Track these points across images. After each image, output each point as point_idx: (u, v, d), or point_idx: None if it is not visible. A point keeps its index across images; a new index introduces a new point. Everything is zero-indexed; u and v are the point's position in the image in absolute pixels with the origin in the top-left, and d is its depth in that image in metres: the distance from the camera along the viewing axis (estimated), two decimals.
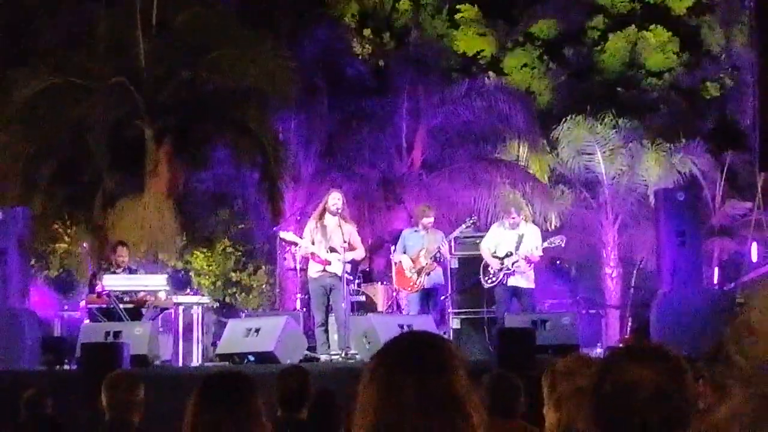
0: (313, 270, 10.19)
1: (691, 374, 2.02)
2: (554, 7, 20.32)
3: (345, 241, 10.03)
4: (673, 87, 19.72)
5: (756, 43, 11.62)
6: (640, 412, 1.94)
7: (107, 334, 9.57)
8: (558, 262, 16.55)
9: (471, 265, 11.54)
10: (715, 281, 15.96)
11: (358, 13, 19.56)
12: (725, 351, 1.41)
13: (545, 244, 10.80)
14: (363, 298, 11.63)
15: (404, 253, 11.08)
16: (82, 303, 11.56)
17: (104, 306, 10.74)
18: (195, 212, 16.23)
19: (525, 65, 20.21)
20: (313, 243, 10.17)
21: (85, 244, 13.62)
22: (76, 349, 9.35)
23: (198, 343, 11.08)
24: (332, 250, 10.05)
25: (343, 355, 9.76)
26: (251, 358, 9.48)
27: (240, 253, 16.37)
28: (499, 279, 10.73)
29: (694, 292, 9.92)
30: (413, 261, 10.97)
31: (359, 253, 10.42)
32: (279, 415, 5.01)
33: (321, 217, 10.27)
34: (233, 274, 16.19)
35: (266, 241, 15.63)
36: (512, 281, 10.71)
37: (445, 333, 10.93)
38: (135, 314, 10.69)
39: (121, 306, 10.61)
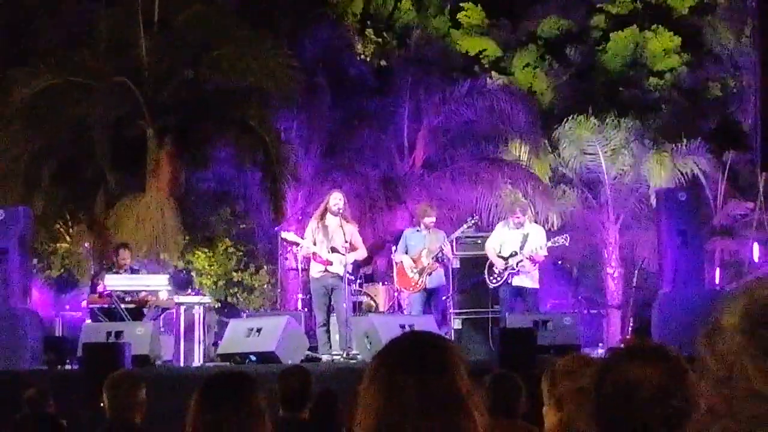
0: (315, 270, 10.20)
1: (692, 374, 2.02)
2: (556, 6, 20.33)
3: (346, 242, 10.04)
4: (675, 87, 19.70)
5: (758, 44, 11.61)
6: (641, 412, 1.94)
7: (109, 334, 9.59)
8: (560, 262, 16.55)
9: (472, 265, 11.54)
10: (717, 281, 15.95)
11: (360, 12, 19.56)
12: (697, 352, 1.41)
13: (549, 243, 10.81)
14: (364, 299, 11.65)
15: (406, 253, 11.07)
16: (84, 303, 11.57)
17: (106, 306, 10.75)
18: (196, 212, 16.22)
19: (527, 65, 20.20)
20: (314, 243, 10.18)
21: (86, 244, 13.61)
22: (77, 349, 9.37)
23: (199, 343, 11.07)
24: (334, 250, 10.07)
25: (344, 355, 9.76)
26: (253, 358, 9.49)
27: (241, 253, 16.38)
28: (503, 279, 10.73)
29: (695, 293, 9.90)
30: (415, 261, 10.96)
31: (361, 254, 10.42)
32: (281, 415, 5.01)
33: (322, 217, 10.28)
34: (235, 274, 16.20)
35: (268, 241, 15.63)
36: (517, 281, 10.72)
37: (446, 333, 10.93)
38: (136, 314, 10.71)
39: (123, 306, 10.62)
